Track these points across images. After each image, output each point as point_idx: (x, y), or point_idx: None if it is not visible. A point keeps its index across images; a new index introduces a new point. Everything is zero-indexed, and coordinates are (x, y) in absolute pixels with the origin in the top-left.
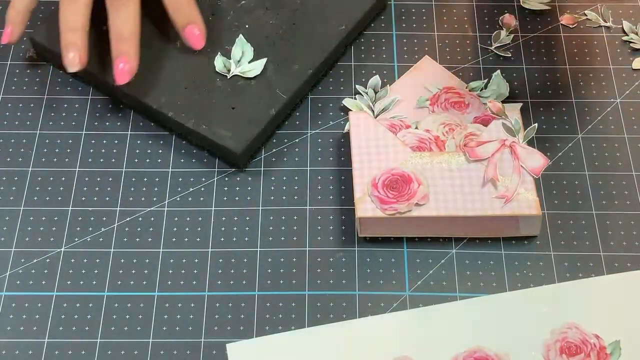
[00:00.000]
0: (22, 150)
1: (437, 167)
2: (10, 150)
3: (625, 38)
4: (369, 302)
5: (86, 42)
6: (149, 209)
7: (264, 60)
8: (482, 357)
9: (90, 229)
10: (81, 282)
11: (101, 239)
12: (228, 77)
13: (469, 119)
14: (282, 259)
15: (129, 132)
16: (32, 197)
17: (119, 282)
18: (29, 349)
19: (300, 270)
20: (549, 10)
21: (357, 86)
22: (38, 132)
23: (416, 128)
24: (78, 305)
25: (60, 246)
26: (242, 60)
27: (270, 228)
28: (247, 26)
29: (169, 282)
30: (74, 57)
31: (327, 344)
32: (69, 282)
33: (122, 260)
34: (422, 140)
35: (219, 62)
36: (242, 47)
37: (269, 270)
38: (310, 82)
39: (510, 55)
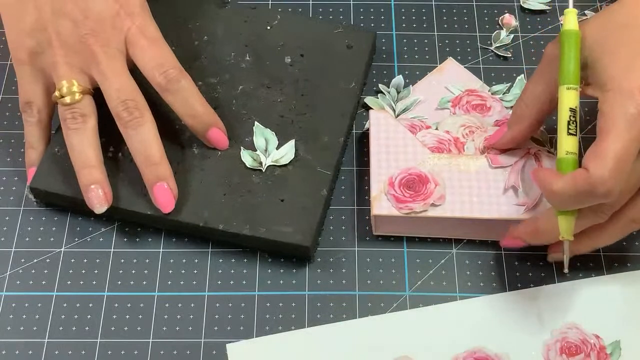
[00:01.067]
0: (22, 150)
1: (455, 169)
2: (10, 150)
3: None
4: (369, 302)
5: (106, 176)
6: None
7: (292, 142)
8: (482, 357)
9: (90, 229)
10: (81, 282)
11: (101, 239)
12: (263, 170)
13: (490, 122)
14: (282, 259)
15: None
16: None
17: (119, 282)
18: (29, 349)
19: (301, 270)
20: (549, 10)
21: (379, 85)
22: None
23: (436, 129)
24: (78, 305)
25: (60, 246)
26: (270, 149)
27: None
28: (256, 111)
29: (169, 282)
30: (99, 196)
31: (327, 344)
32: (69, 282)
33: (122, 260)
34: (442, 141)
35: (246, 157)
36: (262, 135)
37: (269, 270)
38: (344, 148)
39: (510, 55)
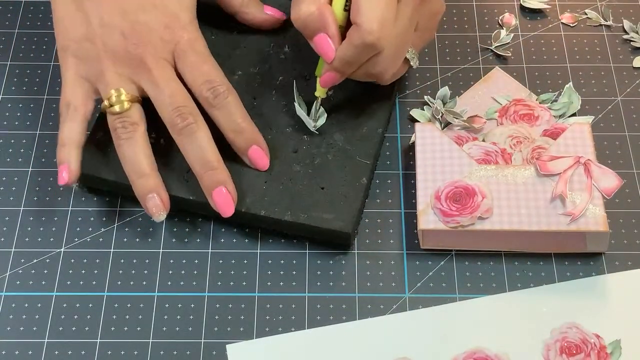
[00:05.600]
0: (22, 150)
1: (503, 181)
2: (10, 150)
3: (625, 37)
4: (368, 304)
5: (162, 181)
6: None
7: (319, 100)
8: (482, 357)
9: (90, 229)
10: (81, 282)
11: (101, 239)
12: (313, 129)
13: (538, 132)
14: (282, 261)
15: None
16: (32, 197)
17: (119, 282)
18: (29, 349)
19: (300, 272)
20: (549, 9)
21: (425, 97)
22: (38, 132)
23: (483, 140)
24: (78, 305)
25: (60, 246)
26: (311, 112)
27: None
28: (300, 99)
29: (169, 282)
30: (156, 204)
31: (326, 345)
32: (69, 282)
33: (122, 260)
34: (489, 152)
35: (299, 110)
36: (300, 106)
37: (269, 272)
38: (382, 140)
39: (510, 54)
